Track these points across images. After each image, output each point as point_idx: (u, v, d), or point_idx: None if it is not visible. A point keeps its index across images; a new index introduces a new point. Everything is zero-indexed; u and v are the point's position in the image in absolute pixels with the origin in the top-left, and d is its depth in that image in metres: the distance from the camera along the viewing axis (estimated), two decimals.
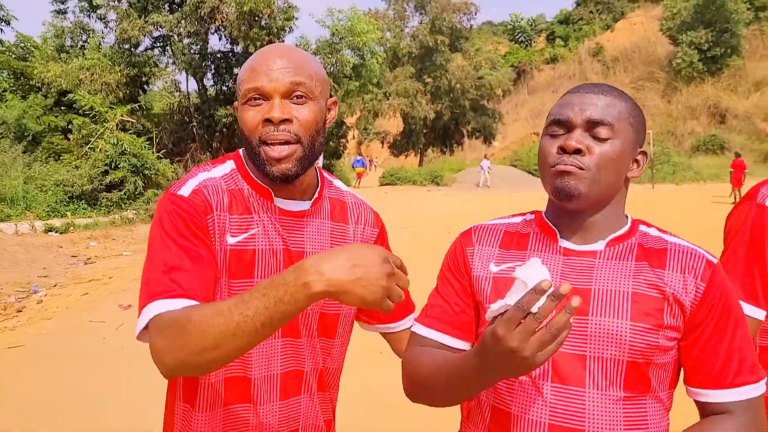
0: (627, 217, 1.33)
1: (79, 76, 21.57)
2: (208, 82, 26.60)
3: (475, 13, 38.02)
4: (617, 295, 1.20)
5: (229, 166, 1.40)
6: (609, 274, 1.23)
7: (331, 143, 31.72)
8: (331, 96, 1.42)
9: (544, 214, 1.37)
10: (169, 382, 1.41)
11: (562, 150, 1.22)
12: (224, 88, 26.17)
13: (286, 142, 1.28)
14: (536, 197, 22.58)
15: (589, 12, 59.21)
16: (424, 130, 37.52)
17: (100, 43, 23.89)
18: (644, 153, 1.30)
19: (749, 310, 1.57)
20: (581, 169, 1.20)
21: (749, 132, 38.92)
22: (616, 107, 1.23)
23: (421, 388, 1.31)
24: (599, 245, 1.26)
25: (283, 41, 25.53)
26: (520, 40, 61.66)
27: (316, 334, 1.42)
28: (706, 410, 1.23)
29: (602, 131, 1.21)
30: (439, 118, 36.99)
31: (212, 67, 25.90)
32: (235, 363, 1.32)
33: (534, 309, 0.93)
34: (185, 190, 1.29)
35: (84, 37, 24.64)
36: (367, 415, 4.08)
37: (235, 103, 1.39)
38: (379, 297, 1.04)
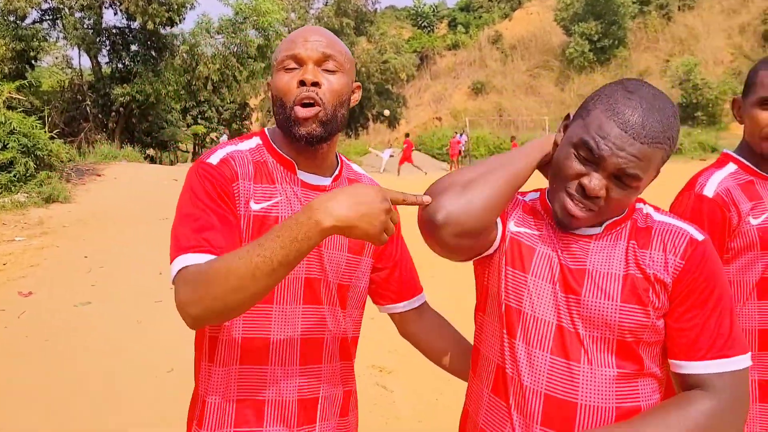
0: None
1: None
2: (103, 59, 25.29)
3: None
4: (609, 277, 1.25)
5: (255, 141, 1.49)
6: (602, 256, 1.27)
7: (234, 125, 31.06)
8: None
9: (547, 197, 1.39)
10: (197, 346, 1.48)
11: (582, 189, 1.22)
12: (120, 65, 24.99)
13: (313, 103, 1.38)
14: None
15: (488, 0, 60.81)
16: None
17: None
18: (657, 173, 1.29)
19: None
20: (591, 210, 1.23)
21: None
22: (654, 159, 1.19)
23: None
24: (597, 229, 1.30)
25: (184, 18, 24.66)
26: (422, 25, 62.44)
27: (337, 303, 1.49)
28: (683, 383, 1.25)
29: (628, 181, 1.20)
30: None
31: (107, 43, 24.60)
32: (256, 324, 1.40)
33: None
34: (214, 159, 1.39)
35: None
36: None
37: (269, 79, 1.50)
38: (379, 231, 1.17)
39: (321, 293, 1.45)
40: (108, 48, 24.88)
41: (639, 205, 1.35)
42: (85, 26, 23.51)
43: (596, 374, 1.22)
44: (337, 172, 1.53)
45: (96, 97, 24.49)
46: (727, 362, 1.21)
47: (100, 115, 25.02)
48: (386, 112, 31.12)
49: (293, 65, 1.41)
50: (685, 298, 1.23)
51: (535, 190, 1.47)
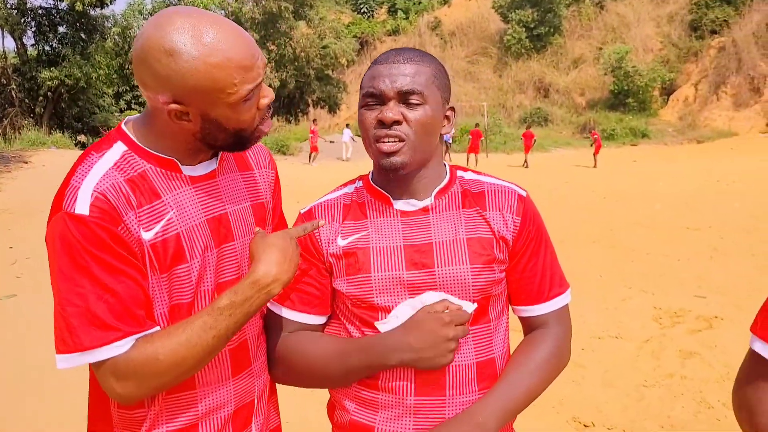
0: (445, 165, 1.45)
1: None
2: (29, 40, 24.25)
3: None
4: (455, 244, 1.34)
5: (118, 149, 1.25)
6: (444, 226, 1.36)
7: None
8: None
9: (371, 179, 1.45)
10: (97, 387, 1.31)
11: (381, 123, 1.30)
12: (48, 48, 23.93)
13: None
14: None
15: None
16: None
17: None
18: (452, 109, 1.41)
19: None
20: (402, 140, 1.30)
21: (568, 106, 42.57)
22: (422, 74, 1.32)
23: (306, 374, 1.40)
24: (428, 200, 1.39)
25: (115, 0, 23.80)
26: (362, 10, 62.17)
27: None
28: (529, 324, 1.45)
29: (413, 99, 1.30)
30: (283, 87, 36.49)
31: (33, 24, 23.55)
32: None
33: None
34: (82, 207, 1.14)
35: None
36: None
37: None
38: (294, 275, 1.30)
39: None
40: (34, 29, 23.86)
41: (460, 173, 1.45)
42: (8, 6, 22.45)
43: None
44: (219, 153, 1.39)
45: (22, 81, 23.46)
46: (561, 298, 1.44)
47: (26, 100, 23.99)
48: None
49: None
50: (525, 250, 1.40)
51: (348, 183, 1.50)
